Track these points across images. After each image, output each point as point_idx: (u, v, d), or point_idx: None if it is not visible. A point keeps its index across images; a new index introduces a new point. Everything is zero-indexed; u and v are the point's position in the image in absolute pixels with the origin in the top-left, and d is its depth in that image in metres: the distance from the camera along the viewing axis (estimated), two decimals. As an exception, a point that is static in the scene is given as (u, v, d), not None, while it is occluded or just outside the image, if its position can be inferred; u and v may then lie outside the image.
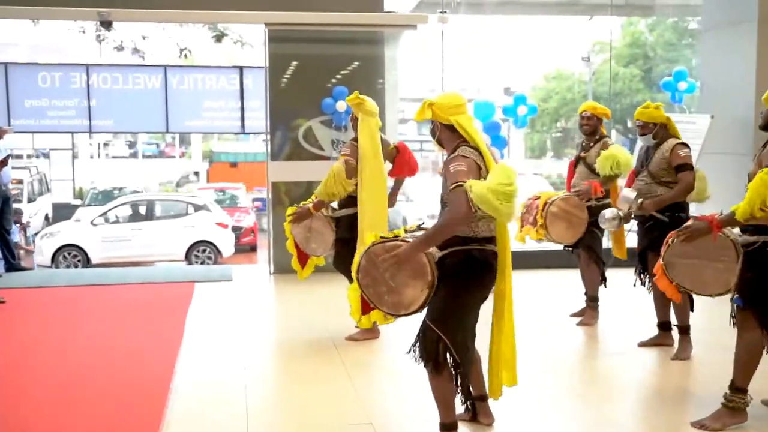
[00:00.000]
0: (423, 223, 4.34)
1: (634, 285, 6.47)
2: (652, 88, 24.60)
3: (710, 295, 4.73)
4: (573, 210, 6.57)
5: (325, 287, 7.83)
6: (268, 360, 6.15)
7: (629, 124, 25.50)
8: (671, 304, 5.88)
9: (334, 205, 6.38)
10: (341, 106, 8.71)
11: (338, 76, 9.00)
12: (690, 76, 9.06)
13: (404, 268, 3.85)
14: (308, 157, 9.08)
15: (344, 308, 6.73)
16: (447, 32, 9.33)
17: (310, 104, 8.97)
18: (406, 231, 4.16)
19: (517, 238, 6.88)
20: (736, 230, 4.45)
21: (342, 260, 6.25)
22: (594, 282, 6.85)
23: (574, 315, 7.01)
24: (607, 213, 6.08)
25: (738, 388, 4.41)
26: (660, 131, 5.79)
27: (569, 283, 7.73)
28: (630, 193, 5.82)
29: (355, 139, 6.18)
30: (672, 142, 5.73)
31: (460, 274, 3.87)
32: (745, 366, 4.39)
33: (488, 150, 3.98)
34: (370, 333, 6.32)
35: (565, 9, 15.76)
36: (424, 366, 3.93)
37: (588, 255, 6.74)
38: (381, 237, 4.06)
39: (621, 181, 6.51)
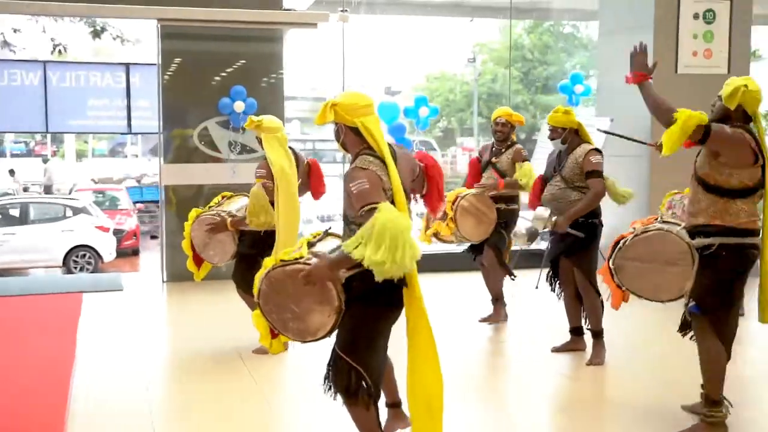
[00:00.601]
0: (330, 229, 4.08)
1: (536, 287, 6.50)
2: (531, 89, 25.31)
3: (661, 301, 4.56)
4: (483, 208, 6.53)
5: (223, 295, 7.49)
6: (172, 378, 5.76)
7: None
8: (583, 309, 5.89)
9: (240, 212, 6.06)
10: (239, 106, 8.39)
11: (236, 75, 8.65)
12: (565, 78, 9.24)
13: (311, 292, 3.55)
14: (204, 159, 8.70)
15: (246, 318, 6.46)
16: (333, 31, 9.15)
17: (206, 104, 8.60)
18: (309, 243, 3.86)
19: (422, 239, 6.76)
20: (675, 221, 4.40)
21: (240, 275, 5.97)
22: (498, 283, 6.88)
23: (484, 320, 6.95)
24: (522, 228, 6.08)
25: (713, 401, 4.25)
26: (570, 136, 5.74)
27: (474, 286, 7.64)
28: (544, 212, 5.78)
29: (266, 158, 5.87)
30: (586, 147, 5.68)
31: (369, 298, 3.58)
32: (713, 376, 4.23)
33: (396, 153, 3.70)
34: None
35: (460, 11, 15.92)
36: (339, 397, 3.68)
37: (494, 254, 6.67)
38: (281, 260, 3.70)
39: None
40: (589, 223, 5.67)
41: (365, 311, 3.59)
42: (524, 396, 5.29)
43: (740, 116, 4.18)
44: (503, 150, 6.66)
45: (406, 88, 26.36)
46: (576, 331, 6.06)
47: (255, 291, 3.74)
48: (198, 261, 6.17)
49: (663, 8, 8.17)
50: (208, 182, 8.62)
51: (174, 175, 8.67)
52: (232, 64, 8.72)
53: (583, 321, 6.00)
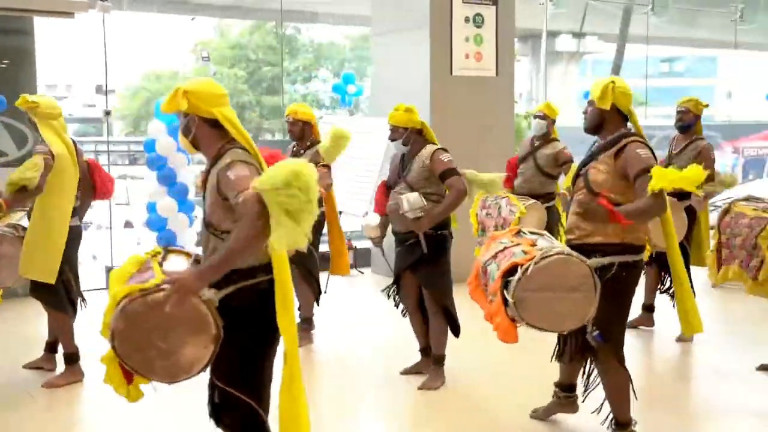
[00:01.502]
0: (169, 245, 3.63)
1: (324, 291, 6.21)
2: (257, 90, 25.26)
3: (563, 331, 4.07)
4: None
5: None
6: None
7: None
8: (429, 331, 5.39)
9: (25, 222, 5.27)
10: (-9, 105, 7.36)
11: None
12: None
13: (181, 322, 2.99)
14: (-60, 166, 7.54)
15: (34, 344, 5.68)
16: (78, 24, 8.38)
17: (-57, 103, 7.43)
18: (160, 263, 3.34)
19: None
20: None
21: (41, 286, 5.17)
22: (308, 303, 6.38)
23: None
24: (371, 221, 5.51)
25: (622, 423, 4.11)
26: (412, 137, 5.22)
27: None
28: (372, 221, 5.31)
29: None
30: (431, 148, 5.16)
31: (252, 319, 3.14)
32: (620, 402, 4.11)
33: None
34: (72, 375, 5.35)
35: (185, 8, 15.29)
36: None
37: (300, 273, 6.11)
38: (140, 290, 3.04)
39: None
40: (438, 235, 5.13)
41: (249, 336, 3.15)
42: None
43: (615, 117, 3.97)
44: (302, 150, 6.28)
45: (120, 86, 25.26)
46: (425, 352, 5.54)
47: (105, 331, 3.07)
48: None
49: (437, 11, 8.30)
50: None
51: None
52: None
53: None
